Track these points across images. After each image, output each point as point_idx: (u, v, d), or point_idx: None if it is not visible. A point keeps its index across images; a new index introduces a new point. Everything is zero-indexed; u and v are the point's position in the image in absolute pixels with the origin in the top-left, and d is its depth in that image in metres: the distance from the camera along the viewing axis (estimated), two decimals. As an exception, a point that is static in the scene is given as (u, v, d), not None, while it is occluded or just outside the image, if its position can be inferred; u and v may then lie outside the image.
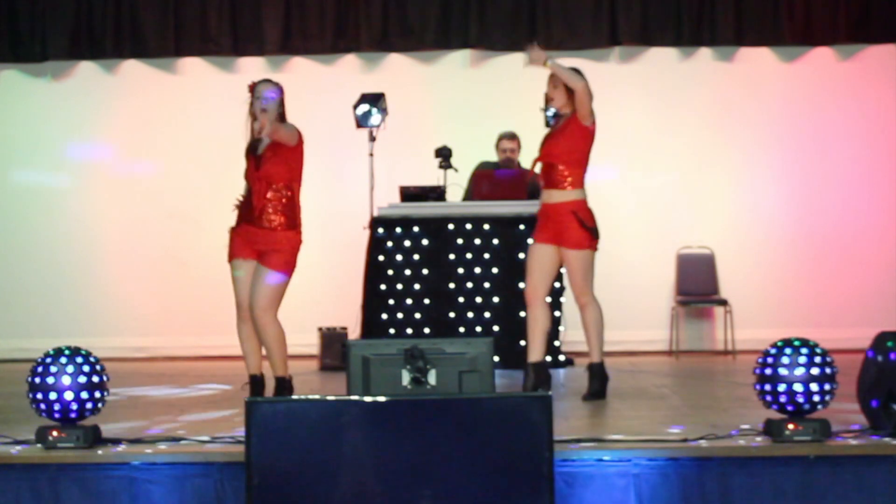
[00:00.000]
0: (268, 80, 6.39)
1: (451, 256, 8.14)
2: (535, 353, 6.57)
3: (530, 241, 6.71)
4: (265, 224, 6.29)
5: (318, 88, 9.85)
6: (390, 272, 8.10)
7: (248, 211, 6.35)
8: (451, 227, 8.16)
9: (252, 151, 6.42)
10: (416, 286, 8.13)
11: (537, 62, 6.41)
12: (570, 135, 6.45)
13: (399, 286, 8.11)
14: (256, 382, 6.49)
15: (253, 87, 6.33)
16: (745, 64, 9.97)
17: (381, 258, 8.11)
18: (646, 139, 9.83)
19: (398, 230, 8.16)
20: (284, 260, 6.30)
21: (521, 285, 7.75)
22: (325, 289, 9.43)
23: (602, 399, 6.41)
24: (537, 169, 6.62)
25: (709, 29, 9.88)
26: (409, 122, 9.56)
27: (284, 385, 6.45)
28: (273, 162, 6.30)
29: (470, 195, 8.64)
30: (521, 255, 7.88)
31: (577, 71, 6.44)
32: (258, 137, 6.34)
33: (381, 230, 8.14)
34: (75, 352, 4.81)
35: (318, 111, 9.66)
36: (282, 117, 6.34)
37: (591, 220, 6.48)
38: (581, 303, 6.53)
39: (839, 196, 9.89)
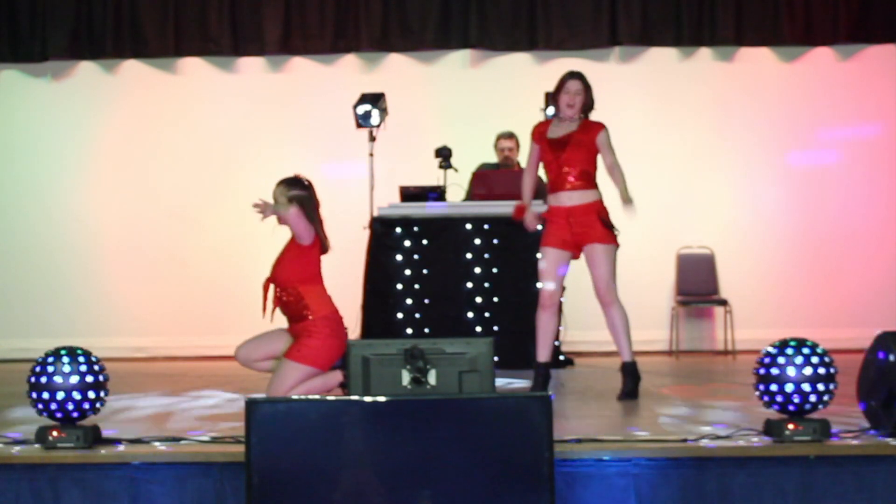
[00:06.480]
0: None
1: (451, 256, 8.13)
2: None
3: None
4: None
5: (318, 88, 9.85)
6: (390, 272, 8.09)
7: None
8: (450, 227, 8.15)
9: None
10: (416, 286, 8.12)
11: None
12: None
13: (399, 286, 8.10)
14: None
15: None
16: (745, 64, 9.97)
17: (380, 258, 8.10)
18: (646, 139, 9.82)
19: (398, 230, 8.15)
20: None
21: (521, 285, 7.78)
22: (324, 289, 9.43)
23: None
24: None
25: (709, 29, 9.88)
26: (409, 122, 9.56)
27: None
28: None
29: (470, 195, 8.64)
30: (521, 255, 7.89)
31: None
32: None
33: (381, 230, 8.14)
34: (75, 352, 4.80)
35: (318, 111, 9.67)
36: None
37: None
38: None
39: (839, 196, 9.89)
